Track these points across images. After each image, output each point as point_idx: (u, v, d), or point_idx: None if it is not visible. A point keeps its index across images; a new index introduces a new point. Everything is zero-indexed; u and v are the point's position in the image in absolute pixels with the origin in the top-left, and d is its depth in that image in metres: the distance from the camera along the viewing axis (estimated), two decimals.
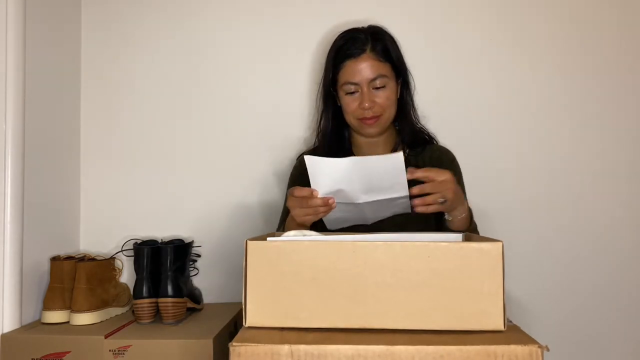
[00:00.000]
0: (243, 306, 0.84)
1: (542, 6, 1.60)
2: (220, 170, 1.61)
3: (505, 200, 1.58)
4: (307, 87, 1.60)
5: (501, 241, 0.81)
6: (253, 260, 0.84)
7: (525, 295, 1.56)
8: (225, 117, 1.62)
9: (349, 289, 0.82)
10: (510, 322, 0.85)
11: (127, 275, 1.53)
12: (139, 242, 1.38)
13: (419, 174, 1.05)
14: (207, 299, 1.52)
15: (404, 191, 1.05)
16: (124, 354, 1.17)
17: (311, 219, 1.09)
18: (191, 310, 1.41)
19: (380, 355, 0.75)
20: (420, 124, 1.40)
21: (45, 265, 1.40)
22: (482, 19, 1.61)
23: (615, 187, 1.59)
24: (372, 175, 1.02)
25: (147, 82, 1.63)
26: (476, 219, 1.24)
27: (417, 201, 1.06)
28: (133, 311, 1.34)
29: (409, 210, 1.13)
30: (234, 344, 0.77)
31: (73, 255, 1.42)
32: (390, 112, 1.30)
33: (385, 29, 1.31)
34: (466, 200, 1.33)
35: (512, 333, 0.80)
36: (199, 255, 1.50)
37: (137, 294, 1.30)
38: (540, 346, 0.75)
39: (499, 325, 0.81)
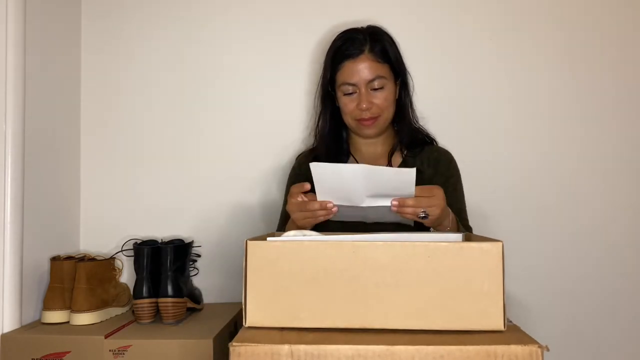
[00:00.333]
0: (243, 306, 0.84)
1: (542, 6, 1.60)
2: (220, 170, 1.61)
3: (505, 201, 1.58)
4: (305, 87, 1.60)
5: (501, 241, 0.81)
6: (253, 260, 0.84)
7: (525, 295, 1.56)
8: (224, 117, 1.62)
9: (349, 289, 0.82)
10: (510, 322, 0.85)
11: (127, 275, 1.53)
12: (139, 242, 1.38)
13: (409, 208, 1.03)
14: (207, 299, 1.52)
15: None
16: (124, 354, 1.17)
17: (311, 222, 1.09)
18: (191, 310, 1.41)
19: (380, 355, 0.75)
20: (419, 125, 1.40)
21: (45, 265, 1.40)
22: (482, 19, 1.61)
23: (616, 187, 1.59)
24: (380, 186, 1.01)
25: (147, 83, 1.63)
26: (476, 219, 1.24)
27: (395, 203, 1.03)
28: (133, 311, 1.34)
29: (411, 223, 1.13)
30: (234, 344, 0.77)
31: (73, 255, 1.42)
32: (388, 113, 1.30)
33: (384, 30, 1.31)
34: (464, 203, 1.33)
35: (512, 333, 0.80)
36: (199, 255, 1.50)
37: (137, 294, 1.30)
38: (540, 346, 0.75)
39: (499, 325, 0.81)
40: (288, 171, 1.45)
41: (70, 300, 1.31)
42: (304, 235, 0.92)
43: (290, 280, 0.83)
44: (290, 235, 0.93)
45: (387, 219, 1.14)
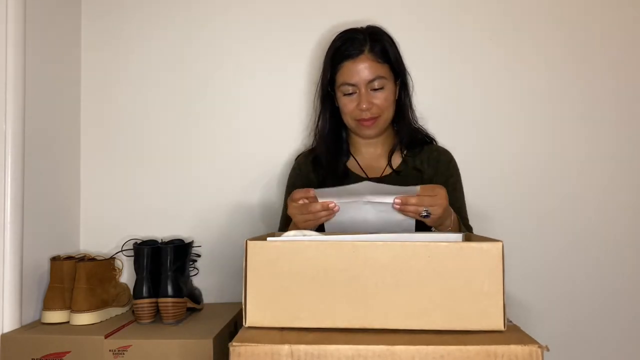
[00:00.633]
0: (243, 306, 0.84)
1: (542, 6, 1.60)
2: (220, 170, 1.61)
3: (505, 201, 1.58)
4: (305, 87, 1.60)
5: (501, 241, 0.81)
6: (253, 260, 0.84)
7: (525, 295, 1.56)
8: (224, 117, 1.62)
9: (349, 289, 0.82)
10: (510, 322, 0.85)
11: (127, 275, 1.53)
12: (139, 242, 1.38)
13: (411, 206, 1.04)
14: (207, 299, 1.52)
15: (411, 220, 1.07)
16: (124, 354, 1.17)
17: (312, 224, 1.09)
18: (191, 310, 1.41)
19: (380, 355, 0.75)
20: (419, 125, 1.40)
21: (45, 265, 1.40)
22: (482, 19, 1.61)
23: (616, 187, 1.59)
24: (384, 195, 1.04)
25: (147, 83, 1.63)
26: (476, 219, 1.24)
27: (397, 201, 1.04)
28: (133, 311, 1.34)
29: (413, 230, 1.13)
30: (234, 344, 0.77)
31: (73, 255, 1.42)
32: (388, 114, 1.30)
33: (384, 30, 1.31)
34: (464, 203, 1.33)
35: (512, 333, 0.80)
36: (199, 255, 1.50)
37: (137, 294, 1.30)
38: (540, 346, 0.75)
39: (499, 325, 0.81)
40: (288, 171, 1.45)
41: (70, 300, 1.31)
42: (304, 235, 0.92)
43: (290, 280, 0.83)
44: (290, 235, 0.93)
45: (388, 222, 1.14)
